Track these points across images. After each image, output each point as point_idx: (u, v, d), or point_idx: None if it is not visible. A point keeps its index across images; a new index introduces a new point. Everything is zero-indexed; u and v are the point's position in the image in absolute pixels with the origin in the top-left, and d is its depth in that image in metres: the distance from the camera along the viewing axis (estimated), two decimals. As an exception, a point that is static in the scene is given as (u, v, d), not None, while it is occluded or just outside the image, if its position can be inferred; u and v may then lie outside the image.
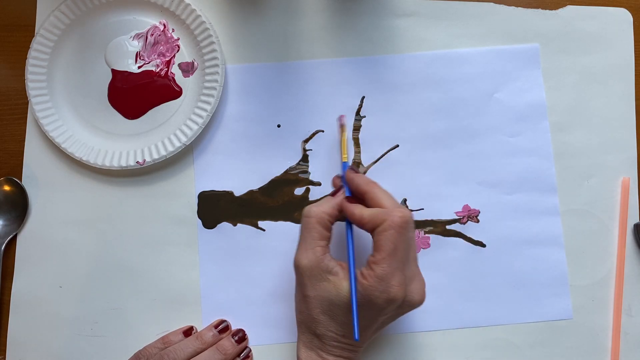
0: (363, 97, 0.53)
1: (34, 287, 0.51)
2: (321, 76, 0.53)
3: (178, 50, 0.53)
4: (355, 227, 0.45)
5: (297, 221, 0.52)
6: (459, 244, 0.52)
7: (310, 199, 0.52)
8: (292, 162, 0.53)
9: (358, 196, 0.46)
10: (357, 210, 0.44)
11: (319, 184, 0.52)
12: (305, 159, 0.53)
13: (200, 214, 0.52)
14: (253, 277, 0.51)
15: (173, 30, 0.53)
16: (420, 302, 0.44)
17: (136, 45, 0.53)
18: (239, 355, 0.50)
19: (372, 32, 0.53)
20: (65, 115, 0.52)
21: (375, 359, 0.51)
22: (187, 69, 0.53)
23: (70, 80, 0.53)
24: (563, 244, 0.52)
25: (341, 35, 0.53)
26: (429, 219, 0.52)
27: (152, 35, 0.53)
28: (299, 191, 0.52)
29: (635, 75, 0.54)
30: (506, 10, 0.54)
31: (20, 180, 0.52)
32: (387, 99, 0.53)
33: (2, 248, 0.51)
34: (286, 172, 0.53)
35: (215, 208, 0.52)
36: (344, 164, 0.48)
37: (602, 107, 0.53)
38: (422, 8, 0.54)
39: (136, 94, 0.52)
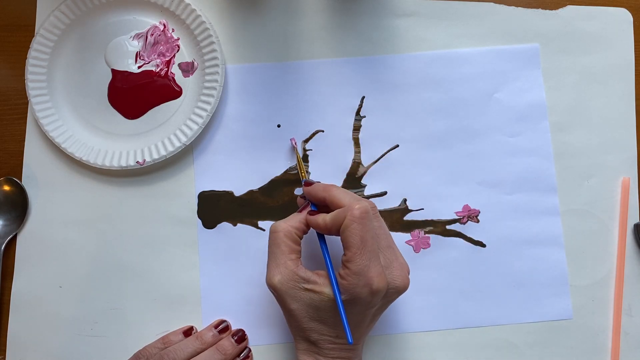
0: (363, 97, 0.53)
1: (34, 287, 0.51)
2: (321, 76, 0.53)
3: (178, 50, 0.53)
4: (327, 237, 0.46)
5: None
6: (459, 244, 0.52)
7: (310, 199, 0.52)
8: (292, 162, 0.53)
9: (321, 204, 0.46)
10: (320, 218, 0.44)
11: (319, 184, 0.52)
12: (305, 159, 0.53)
13: (200, 214, 0.52)
14: (253, 277, 0.51)
15: (173, 30, 0.53)
16: (404, 287, 0.43)
17: (136, 45, 0.53)
18: (239, 355, 0.50)
19: (372, 32, 0.53)
20: (65, 115, 0.52)
21: (375, 359, 0.51)
22: (187, 69, 0.53)
23: (70, 80, 0.53)
24: (563, 244, 0.52)
25: (341, 35, 0.53)
26: (429, 219, 0.52)
27: (152, 35, 0.53)
28: (299, 191, 0.52)
29: (635, 75, 0.54)
30: (506, 10, 0.54)
31: (20, 180, 0.52)
32: (387, 99, 0.53)
33: (2, 248, 0.51)
34: (286, 172, 0.53)
35: (215, 208, 0.52)
36: (302, 181, 0.49)
37: (602, 107, 0.53)
38: (422, 8, 0.54)
39: (136, 94, 0.52)
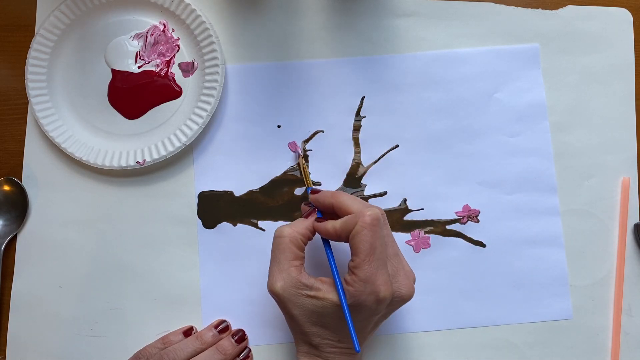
0: (363, 97, 0.53)
1: (34, 287, 0.51)
2: (321, 76, 0.53)
3: (178, 50, 0.53)
4: (332, 243, 0.45)
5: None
6: (459, 244, 0.52)
7: (310, 199, 0.52)
8: (292, 162, 0.53)
9: (328, 212, 0.46)
10: (329, 225, 0.44)
11: (319, 184, 0.52)
12: (305, 159, 0.53)
13: (200, 214, 0.52)
14: (253, 277, 0.51)
15: (173, 30, 0.53)
16: (409, 296, 0.43)
17: (136, 45, 0.53)
18: (238, 355, 0.49)
19: (372, 32, 0.53)
20: (65, 115, 0.52)
21: (375, 359, 0.51)
22: (187, 69, 0.53)
23: (70, 80, 0.53)
24: (563, 244, 0.52)
25: (341, 35, 0.53)
26: (429, 219, 0.52)
27: (152, 35, 0.53)
28: (299, 191, 0.52)
29: (635, 75, 0.54)
30: (506, 10, 0.54)
31: (20, 180, 0.52)
32: (387, 99, 0.53)
33: (2, 248, 0.51)
34: (286, 172, 0.53)
35: (215, 208, 0.52)
36: (308, 189, 0.49)
37: (602, 107, 0.53)
38: (422, 8, 0.54)
39: (136, 94, 0.52)
